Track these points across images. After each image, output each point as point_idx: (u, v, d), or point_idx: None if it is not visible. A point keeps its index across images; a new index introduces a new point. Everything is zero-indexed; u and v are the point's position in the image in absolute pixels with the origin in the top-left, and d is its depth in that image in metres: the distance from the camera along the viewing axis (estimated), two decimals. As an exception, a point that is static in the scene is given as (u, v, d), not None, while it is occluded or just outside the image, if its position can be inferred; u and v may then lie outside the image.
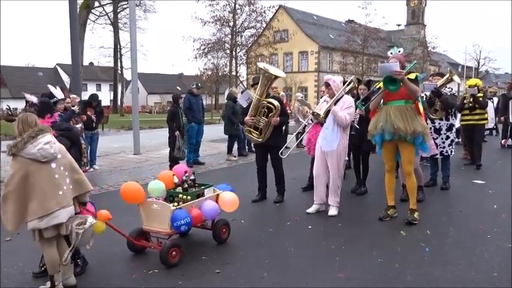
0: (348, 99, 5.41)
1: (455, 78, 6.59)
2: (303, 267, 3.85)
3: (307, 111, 6.83)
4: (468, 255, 4.06)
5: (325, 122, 5.34)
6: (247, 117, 5.79)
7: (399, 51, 4.92)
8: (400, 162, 5.20)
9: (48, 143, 3.23)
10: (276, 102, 5.64)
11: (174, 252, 3.86)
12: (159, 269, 3.80)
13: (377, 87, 5.18)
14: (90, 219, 3.41)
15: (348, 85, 5.52)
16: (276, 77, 5.63)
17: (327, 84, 5.43)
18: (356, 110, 6.25)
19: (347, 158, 5.66)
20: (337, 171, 5.38)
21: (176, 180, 4.34)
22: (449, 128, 6.56)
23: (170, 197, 4.26)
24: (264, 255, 4.11)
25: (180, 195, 4.21)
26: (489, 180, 7.42)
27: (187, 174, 4.43)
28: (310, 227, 4.98)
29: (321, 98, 6.40)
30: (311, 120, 6.27)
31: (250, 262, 3.98)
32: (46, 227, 3.20)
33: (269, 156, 6.08)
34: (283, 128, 7.02)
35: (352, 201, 6.11)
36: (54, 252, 3.34)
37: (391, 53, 4.91)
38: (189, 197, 4.19)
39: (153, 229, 4.11)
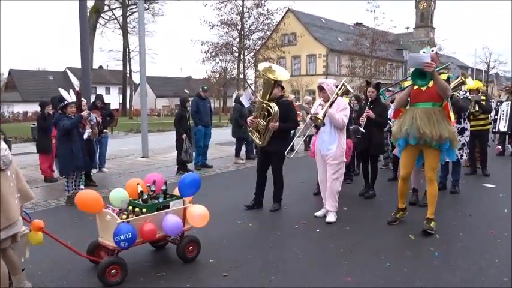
0: (342, 101, 5.33)
1: (468, 81, 6.39)
2: (310, 271, 3.83)
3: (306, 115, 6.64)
4: (478, 260, 4.02)
5: (323, 125, 5.24)
6: (249, 118, 5.72)
7: (432, 51, 4.61)
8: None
9: (6, 149, 3.11)
10: (275, 108, 5.38)
11: (113, 270, 3.53)
12: (167, 272, 3.82)
13: (404, 86, 5.01)
14: (22, 228, 3.26)
15: (339, 89, 5.32)
16: (276, 82, 5.42)
17: (321, 88, 5.29)
18: (364, 112, 6.21)
19: (345, 160, 5.50)
20: (335, 174, 5.29)
21: (140, 189, 3.98)
22: (461, 131, 6.50)
23: (133, 208, 3.89)
24: (271, 259, 4.11)
25: (130, 208, 3.84)
26: (499, 184, 7.35)
27: (148, 184, 4.06)
28: (318, 230, 4.96)
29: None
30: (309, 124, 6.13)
31: (257, 265, 3.97)
32: (6, 237, 3.07)
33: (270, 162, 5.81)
34: (292, 133, 6.84)
35: (360, 205, 6.08)
36: (3, 264, 3.18)
37: (424, 52, 4.61)
38: (144, 210, 3.83)
39: (105, 242, 3.79)
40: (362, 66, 36.50)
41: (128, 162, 10.50)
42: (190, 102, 9.19)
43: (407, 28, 56.69)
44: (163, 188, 4.17)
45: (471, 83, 6.60)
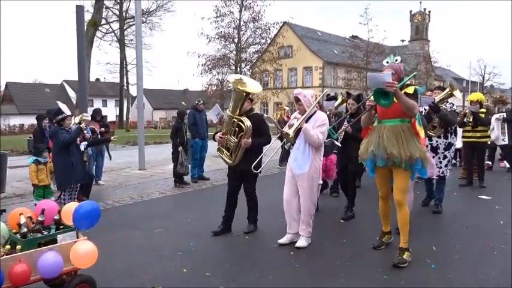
0: (321, 116, 4.78)
1: (456, 93, 6.17)
2: (307, 283, 3.81)
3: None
4: (474, 272, 4.01)
5: (295, 142, 4.77)
6: (217, 134, 5.19)
7: (396, 60, 4.25)
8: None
9: None
10: (247, 122, 4.88)
11: None
12: (163, 285, 3.78)
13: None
14: None
15: (322, 99, 4.86)
16: (248, 94, 4.97)
17: (297, 99, 4.77)
18: (342, 126, 5.83)
19: (321, 182, 5.00)
20: (309, 197, 4.74)
21: (23, 220, 3.32)
22: (448, 147, 6.17)
23: (13, 243, 3.28)
24: (268, 271, 4.08)
25: None
26: (495, 196, 7.36)
27: (29, 215, 3.43)
28: (314, 243, 4.95)
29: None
30: (279, 139, 5.46)
31: (254, 277, 3.94)
32: None
33: (243, 181, 5.33)
34: (284, 149, 6.53)
35: (356, 217, 6.06)
36: None
37: (387, 62, 4.27)
38: (19, 246, 3.19)
39: None
40: (358, 79, 36.77)
41: (124, 175, 10.48)
42: (187, 115, 9.22)
43: (403, 41, 57.39)
44: (56, 217, 3.50)
45: (459, 95, 6.44)
